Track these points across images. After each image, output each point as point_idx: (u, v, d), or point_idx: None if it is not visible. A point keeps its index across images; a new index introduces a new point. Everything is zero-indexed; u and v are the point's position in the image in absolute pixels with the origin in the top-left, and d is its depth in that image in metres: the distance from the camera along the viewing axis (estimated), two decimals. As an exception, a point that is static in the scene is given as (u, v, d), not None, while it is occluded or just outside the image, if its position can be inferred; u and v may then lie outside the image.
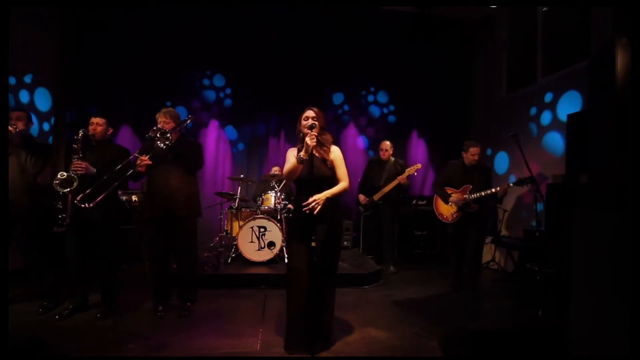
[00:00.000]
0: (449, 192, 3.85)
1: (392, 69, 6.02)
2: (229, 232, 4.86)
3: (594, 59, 2.26)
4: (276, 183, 4.73)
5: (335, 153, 2.45)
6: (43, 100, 4.74)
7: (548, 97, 4.47)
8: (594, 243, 1.95)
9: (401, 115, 6.25)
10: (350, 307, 3.29)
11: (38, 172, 3.02)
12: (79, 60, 5.24)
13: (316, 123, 2.33)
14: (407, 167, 4.57)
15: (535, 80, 4.84)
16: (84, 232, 2.94)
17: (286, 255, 3.87)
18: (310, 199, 2.27)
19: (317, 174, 2.35)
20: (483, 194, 3.66)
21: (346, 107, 6.16)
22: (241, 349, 2.49)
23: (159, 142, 2.74)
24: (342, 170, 2.44)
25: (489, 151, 5.64)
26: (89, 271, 3.05)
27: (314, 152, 2.35)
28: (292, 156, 2.40)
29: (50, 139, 4.79)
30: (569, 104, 4.16)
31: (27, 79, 4.39)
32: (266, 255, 4.29)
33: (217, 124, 5.82)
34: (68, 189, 2.76)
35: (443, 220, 3.93)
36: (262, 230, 4.33)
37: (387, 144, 4.69)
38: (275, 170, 5.07)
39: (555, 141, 4.36)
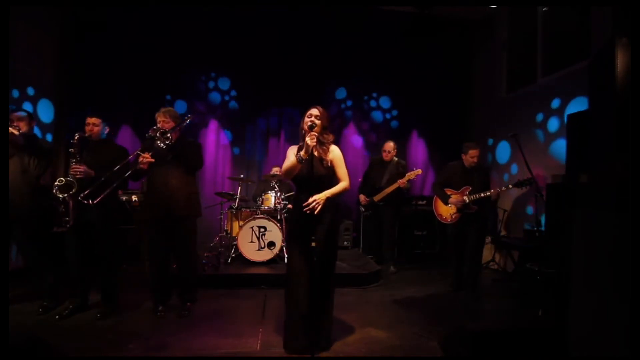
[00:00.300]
0: (449, 193, 3.86)
1: (392, 69, 6.02)
2: (229, 232, 4.86)
3: (594, 59, 2.26)
4: (276, 183, 4.73)
5: (334, 153, 2.45)
6: (46, 111, 4.76)
7: (555, 103, 4.41)
8: (594, 243, 1.95)
9: (402, 115, 6.25)
10: (350, 307, 3.29)
11: (41, 173, 3.03)
12: (79, 60, 5.24)
13: (317, 123, 2.33)
14: (408, 169, 4.57)
15: (535, 80, 4.83)
16: (84, 232, 2.94)
17: (286, 255, 3.87)
18: (311, 199, 2.28)
19: (316, 173, 2.35)
20: (482, 194, 3.68)
21: (349, 103, 6.16)
22: (241, 349, 2.49)
23: (158, 142, 2.74)
24: (342, 170, 2.44)
25: (490, 141, 5.61)
26: (89, 271, 3.05)
27: (314, 151, 2.36)
28: (292, 154, 2.41)
29: (49, 137, 4.80)
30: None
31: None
32: (266, 255, 4.29)
33: (217, 124, 5.82)
34: (67, 194, 2.76)
35: (442, 221, 3.95)
36: (262, 230, 4.33)
37: (390, 145, 4.67)
38: (275, 170, 5.07)
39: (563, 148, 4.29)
